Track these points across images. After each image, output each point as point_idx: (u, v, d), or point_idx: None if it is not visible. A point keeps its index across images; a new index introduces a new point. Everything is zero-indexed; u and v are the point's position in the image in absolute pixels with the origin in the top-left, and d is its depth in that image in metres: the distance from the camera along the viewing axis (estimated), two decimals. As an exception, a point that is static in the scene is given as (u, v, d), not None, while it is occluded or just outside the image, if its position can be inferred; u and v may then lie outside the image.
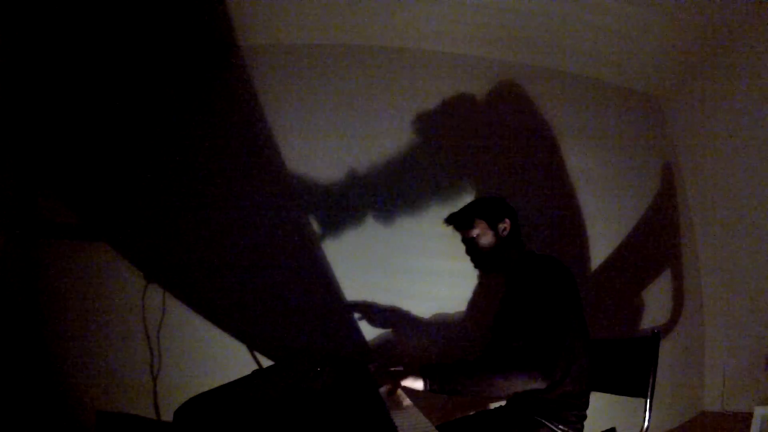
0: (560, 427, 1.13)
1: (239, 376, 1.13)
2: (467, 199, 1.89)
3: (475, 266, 1.42)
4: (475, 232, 1.37)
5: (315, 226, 1.78)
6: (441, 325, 1.80)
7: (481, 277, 1.84)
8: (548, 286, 1.16)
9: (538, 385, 1.03)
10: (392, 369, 1.19)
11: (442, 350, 1.78)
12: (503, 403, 1.39)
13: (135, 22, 1.66)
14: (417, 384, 1.10)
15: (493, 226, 1.35)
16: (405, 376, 1.12)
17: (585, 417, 1.18)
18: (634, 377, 1.20)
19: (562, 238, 1.98)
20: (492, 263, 1.37)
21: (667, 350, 1.93)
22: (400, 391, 1.13)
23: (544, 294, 1.14)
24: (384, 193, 1.84)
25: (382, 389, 1.14)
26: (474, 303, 1.82)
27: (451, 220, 1.48)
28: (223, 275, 1.71)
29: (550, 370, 1.04)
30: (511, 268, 1.35)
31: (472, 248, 1.38)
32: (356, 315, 1.75)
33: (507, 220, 1.35)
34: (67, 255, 1.64)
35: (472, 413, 1.41)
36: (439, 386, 1.09)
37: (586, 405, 1.19)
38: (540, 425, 1.14)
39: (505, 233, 1.34)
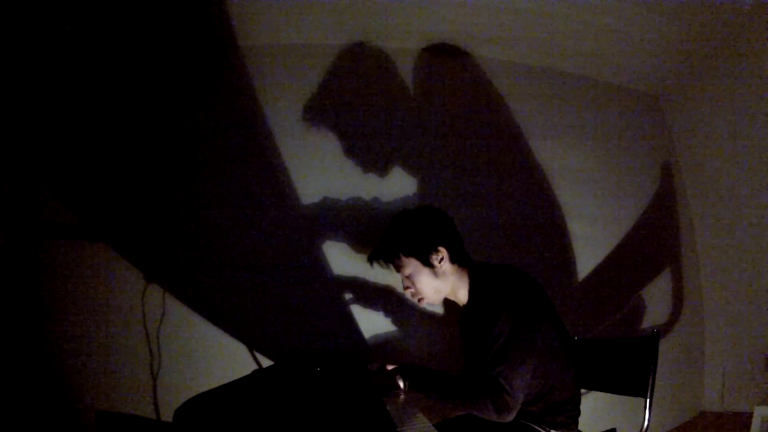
0: (551, 431, 1.12)
1: (239, 376, 1.13)
2: (467, 198, 1.90)
3: (419, 301, 1.23)
4: (407, 272, 1.17)
5: (315, 225, 1.78)
6: (441, 324, 1.80)
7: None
8: (507, 309, 1.03)
9: (504, 421, 1.01)
10: (389, 368, 1.20)
11: (441, 350, 1.78)
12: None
13: (135, 22, 1.66)
14: (399, 382, 1.13)
15: (425, 262, 1.14)
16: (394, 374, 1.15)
17: (578, 414, 1.18)
18: (633, 377, 1.20)
19: (562, 238, 1.98)
20: (437, 298, 1.20)
21: (667, 350, 1.93)
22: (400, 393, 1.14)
23: (504, 320, 1.02)
24: (384, 192, 1.83)
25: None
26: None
27: (375, 258, 1.24)
28: (223, 275, 1.71)
29: (509, 414, 1.00)
30: (464, 295, 1.20)
31: (409, 287, 1.20)
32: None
33: (440, 249, 1.13)
34: (67, 255, 1.64)
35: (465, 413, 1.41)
36: (414, 388, 1.12)
37: (578, 405, 1.19)
38: (530, 429, 1.13)
39: (445, 263, 1.14)
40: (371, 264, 1.26)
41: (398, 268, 1.21)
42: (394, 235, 1.20)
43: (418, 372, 1.16)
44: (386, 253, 1.20)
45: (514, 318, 1.02)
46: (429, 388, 1.11)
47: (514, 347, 1.01)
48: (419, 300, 1.22)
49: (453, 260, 1.16)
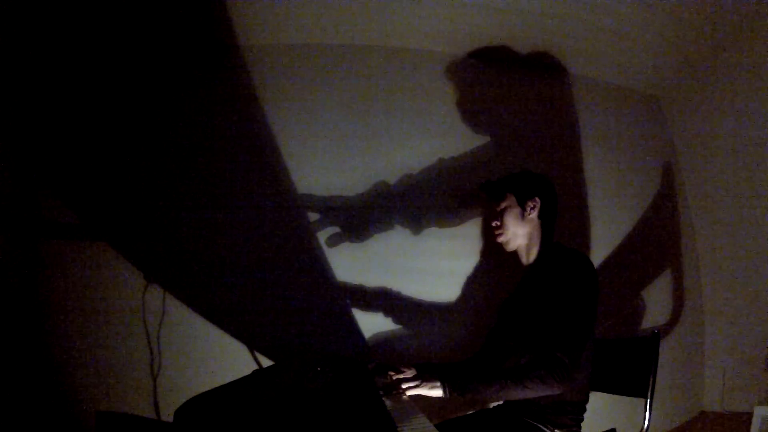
0: (556, 431, 1.12)
1: (239, 376, 1.13)
2: (466, 199, 1.90)
3: (496, 239, 1.37)
4: (503, 205, 1.33)
5: (315, 226, 1.78)
6: (441, 324, 1.80)
7: (482, 276, 1.84)
8: (578, 288, 1.11)
9: (555, 392, 1.04)
10: (404, 377, 1.16)
11: (442, 350, 1.78)
12: (501, 402, 1.38)
13: (135, 22, 1.66)
14: (435, 391, 1.08)
15: (520, 202, 1.30)
16: (421, 382, 1.10)
17: (582, 420, 1.18)
18: (634, 377, 1.20)
19: (561, 238, 1.97)
20: (512, 241, 1.32)
21: (667, 350, 1.92)
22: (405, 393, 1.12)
23: (572, 296, 1.10)
24: (384, 192, 1.84)
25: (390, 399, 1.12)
26: (475, 303, 1.82)
27: (485, 187, 1.45)
28: (223, 275, 1.71)
29: (566, 379, 1.03)
30: (534, 255, 1.30)
31: (497, 221, 1.35)
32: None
33: (537, 199, 1.29)
34: (67, 255, 1.64)
35: (469, 412, 1.41)
36: (460, 393, 1.07)
37: (583, 409, 1.19)
38: (536, 429, 1.13)
39: (533, 213, 1.29)
40: (480, 190, 1.48)
41: (498, 201, 1.35)
42: (511, 177, 1.41)
43: (460, 374, 1.13)
44: (497, 187, 1.39)
45: (585, 300, 1.11)
46: (479, 383, 1.08)
47: (579, 322, 1.08)
48: (498, 235, 1.35)
49: (540, 216, 1.30)
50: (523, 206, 1.29)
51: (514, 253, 1.38)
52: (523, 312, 1.26)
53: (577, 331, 1.07)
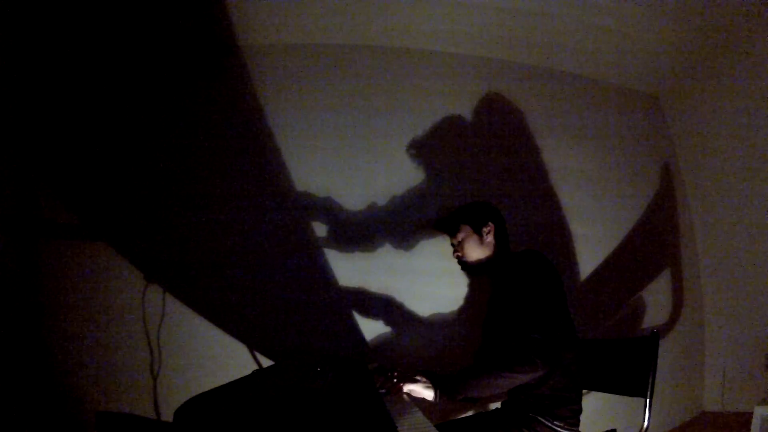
0: (556, 423, 1.13)
1: (239, 376, 1.13)
2: (466, 199, 1.90)
3: (462, 269, 1.46)
4: (460, 236, 1.42)
5: (315, 226, 1.78)
6: (440, 325, 1.80)
7: (478, 278, 1.84)
8: (531, 276, 1.19)
9: (541, 371, 1.08)
10: (398, 373, 1.19)
11: (441, 350, 1.78)
12: (500, 404, 1.39)
13: (135, 22, 1.66)
14: (426, 393, 1.12)
15: (477, 230, 1.40)
16: (413, 382, 1.14)
17: (580, 411, 1.19)
18: (633, 377, 1.21)
19: (562, 239, 1.98)
20: (477, 266, 1.41)
21: (667, 350, 1.93)
22: (404, 393, 1.14)
23: (528, 285, 1.18)
24: (383, 192, 1.84)
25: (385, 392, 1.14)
26: (473, 303, 1.82)
27: (438, 226, 1.54)
28: (223, 275, 1.71)
29: (547, 355, 1.08)
30: (496, 271, 1.38)
31: (458, 251, 1.44)
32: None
33: (490, 224, 1.39)
34: (67, 255, 1.64)
35: (471, 414, 1.42)
36: (449, 395, 1.12)
37: (579, 399, 1.20)
38: (536, 422, 1.14)
39: (489, 237, 1.38)
40: (435, 229, 1.59)
41: (454, 233, 1.45)
42: (459, 209, 1.50)
43: (449, 378, 1.15)
44: (450, 221, 1.49)
45: (541, 282, 1.17)
46: (466, 381, 1.11)
47: (543, 302, 1.14)
48: (461, 268, 1.46)
49: (496, 236, 1.40)
50: (479, 233, 1.39)
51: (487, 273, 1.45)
52: (497, 325, 1.32)
53: (544, 310, 1.13)
